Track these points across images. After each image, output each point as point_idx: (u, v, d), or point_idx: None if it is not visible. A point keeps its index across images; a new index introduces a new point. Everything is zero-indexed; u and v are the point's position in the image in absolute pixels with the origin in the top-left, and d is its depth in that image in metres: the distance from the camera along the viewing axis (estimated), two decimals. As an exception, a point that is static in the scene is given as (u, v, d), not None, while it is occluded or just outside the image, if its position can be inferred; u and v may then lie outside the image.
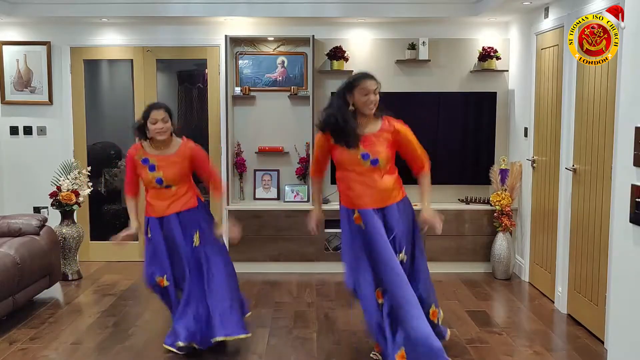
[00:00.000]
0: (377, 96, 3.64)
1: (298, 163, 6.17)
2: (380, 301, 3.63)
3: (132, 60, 6.26)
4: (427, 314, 3.65)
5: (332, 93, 5.69)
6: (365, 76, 3.67)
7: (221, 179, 4.07)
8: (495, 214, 5.78)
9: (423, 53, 6.00)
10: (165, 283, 3.98)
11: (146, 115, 3.93)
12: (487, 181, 6.01)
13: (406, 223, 3.72)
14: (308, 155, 6.07)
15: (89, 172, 5.82)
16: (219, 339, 3.85)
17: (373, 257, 3.62)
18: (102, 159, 6.49)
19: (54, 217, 5.78)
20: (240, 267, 5.97)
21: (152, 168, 3.96)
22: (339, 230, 3.93)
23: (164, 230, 3.99)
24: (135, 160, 4.01)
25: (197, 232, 3.99)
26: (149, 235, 4.04)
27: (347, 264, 3.73)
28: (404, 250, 3.65)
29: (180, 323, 3.90)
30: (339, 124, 3.60)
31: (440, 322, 3.86)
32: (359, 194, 3.64)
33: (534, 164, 5.39)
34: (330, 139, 3.68)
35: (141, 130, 3.97)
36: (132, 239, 4.17)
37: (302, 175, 6.14)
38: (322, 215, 4.01)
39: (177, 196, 4.00)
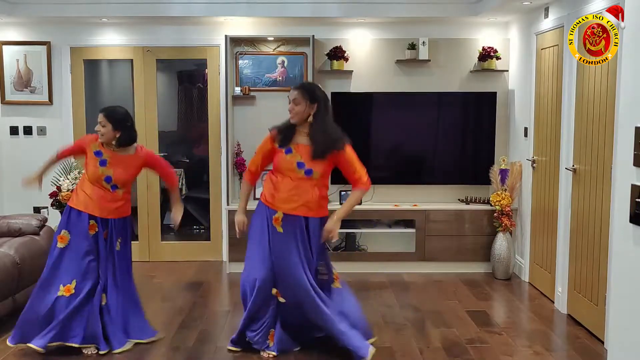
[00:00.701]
0: (298, 107, 3.76)
1: (298, 163, 6.16)
2: (281, 299, 3.84)
3: (132, 60, 6.26)
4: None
5: (331, 93, 5.72)
6: (293, 86, 3.89)
7: (175, 175, 4.26)
8: (495, 214, 5.78)
9: (423, 53, 6.00)
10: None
11: None
12: (487, 181, 6.00)
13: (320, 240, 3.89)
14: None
15: (89, 172, 5.80)
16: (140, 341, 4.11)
17: (280, 264, 3.77)
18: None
19: (54, 217, 5.77)
20: (240, 267, 5.96)
21: (103, 163, 3.97)
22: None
23: (106, 231, 4.00)
24: (89, 148, 4.02)
25: (120, 239, 4.07)
26: (94, 231, 3.96)
27: (249, 262, 3.88)
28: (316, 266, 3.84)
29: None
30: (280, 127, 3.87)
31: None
32: (286, 198, 3.76)
33: (534, 164, 5.39)
34: (275, 142, 3.86)
35: None
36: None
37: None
38: (246, 219, 4.07)
39: (123, 201, 4.05)
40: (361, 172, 3.86)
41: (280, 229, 3.77)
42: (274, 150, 3.87)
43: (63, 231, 3.97)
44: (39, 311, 3.90)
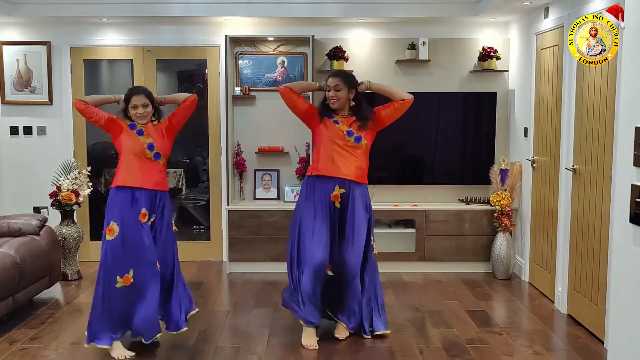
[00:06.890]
0: (340, 92, 4.02)
1: (298, 163, 6.17)
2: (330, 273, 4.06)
3: (132, 60, 6.26)
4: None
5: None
6: (331, 74, 4.14)
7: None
8: (495, 214, 5.78)
9: (423, 53, 6.00)
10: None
11: (127, 100, 3.95)
12: (487, 181, 6.01)
13: (364, 208, 4.07)
14: (308, 155, 6.07)
15: (89, 172, 5.81)
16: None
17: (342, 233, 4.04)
18: (102, 159, 6.49)
19: (54, 217, 5.78)
20: (240, 267, 6.01)
21: (140, 132, 3.93)
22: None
23: (139, 205, 3.87)
24: (122, 122, 3.97)
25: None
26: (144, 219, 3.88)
27: (310, 244, 3.95)
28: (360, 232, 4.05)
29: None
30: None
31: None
32: (339, 164, 4.00)
33: (534, 164, 5.40)
34: (318, 116, 4.11)
35: (124, 112, 4.02)
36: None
37: (302, 175, 6.14)
38: None
39: (163, 174, 3.98)
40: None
41: (338, 205, 4.00)
42: (318, 123, 4.08)
43: (111, 223, 3.83)
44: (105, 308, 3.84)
